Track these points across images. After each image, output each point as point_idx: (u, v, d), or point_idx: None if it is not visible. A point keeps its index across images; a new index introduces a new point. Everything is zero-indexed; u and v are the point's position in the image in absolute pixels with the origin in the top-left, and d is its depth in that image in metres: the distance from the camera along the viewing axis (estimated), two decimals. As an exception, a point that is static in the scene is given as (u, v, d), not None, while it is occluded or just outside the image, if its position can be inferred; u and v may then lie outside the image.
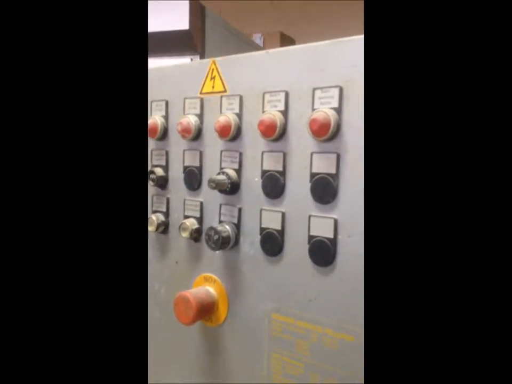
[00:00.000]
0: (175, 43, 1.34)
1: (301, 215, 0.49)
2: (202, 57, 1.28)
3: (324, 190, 0.47)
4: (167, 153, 0.62)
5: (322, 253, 0.48)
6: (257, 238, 0.54)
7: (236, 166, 0.55)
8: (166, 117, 0.62)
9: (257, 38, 2.47)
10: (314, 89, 0.47)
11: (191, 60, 1.28)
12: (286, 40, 2.49)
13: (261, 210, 0.53)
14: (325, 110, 0.45)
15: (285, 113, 0.50)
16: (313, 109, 0.47)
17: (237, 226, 0.56)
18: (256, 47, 1.72)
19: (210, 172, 0.58)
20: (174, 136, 0.61)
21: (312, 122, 0.45)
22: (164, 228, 0.63)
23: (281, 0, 2.50)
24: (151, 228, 0.63)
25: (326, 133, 0.45)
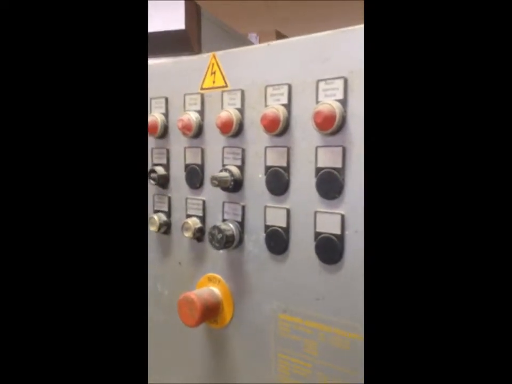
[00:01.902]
0: (171, 43, 1.34)
1: (307, 212, 0.48)
2: (198, 57, 1.27)
3: (330, 185, 0.46)
4: (167, 151, 0.61)
5: (329, 250, 0.46)
6: (262, 236, 0.52)
7: (239, 163, 0.54)
8: (166, 114, 0.60)
9: (253, 37, 2.46)
10: (318, 81, 0.46)
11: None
12: (282, 39, 2.46)
13: (265, 207, 0.52)
14: (329, 102, 0.44)
15: (288, 106, 0.48)
16: (317, 102, 0.46)
17: (241, 224, 0.54)
18: (253, 46, 1.70)
19: (212, 170, 0.56)
20: (174, 133, 0.60)
21: (317, 115, 0.44)
22: (166, 228, 0.62)
23: (275, 0, 2.49)
24: (153, 228, 0.61)
25: (331, 125, 0.44)
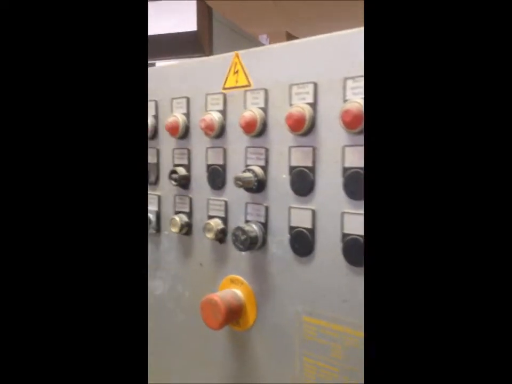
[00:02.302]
0: (183, 45, 1.34)
1: (333, 212, 0.47)
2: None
3: (358, 185, 0.45)
4: (189, 152, 0.60)
5: (358, 251, 0.45)
6: (286, 237, 0.51)
7: (262, 163, 0.53)
8: (188, 114, 0.60)
9: (263, 39, 2.46)
10: (345, 79, 0.45)
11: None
12: (292, 40, 2.45)
13: (290, 208, 0.51)
14: (358, 101, 0.43)
15: (313, 105, 0.48)
16: (344, 100, 0.45)
17: (264, 225, 0.53)
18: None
19: (234, 170, 0.55)
20: (196, 134, 0.59)
21: (345, 113, 0.43)
22: (187, 229, 0.61)
23: (285, 1, 2.48)
24: (174, 229, 0.61)
25: (360, 124, 0.43)
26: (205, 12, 1.38)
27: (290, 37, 2.55)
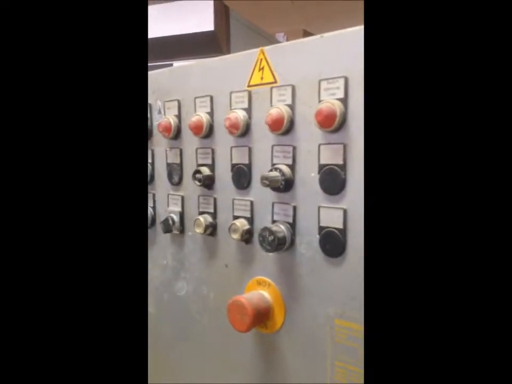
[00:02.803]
0: (200, 45, 1.34)
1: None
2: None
3: (392, 183, 0.43)
4: (213, 151, 0.59)
5: (392, 252, 0.43)
6: (315, 238, 0.50)
7: (290, 162, 0.51)
8: (211, 113, 0.59)
9: (281, 37, 2.45)
10: (378, 73, 0.43)
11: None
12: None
13: (319, 207, 0.49)
14: (392, 95, 0.41)
15: (344, 101, 0.46)
16: (377, 95, 0.43)
17: (292, 226, 0.52)
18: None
19: (260, 169, 0.54)
20: (220, 133, 0.58)
21: (379, 108, 0.41)
22: (212, 229, 0.60)
23: (302, 0, 2.47)
24: (198, 230, 0.60)
25: (395, 119, 0.41)
26: (222, 12, 1.37)
27: (307, 34, 2.53)
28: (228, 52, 1.33)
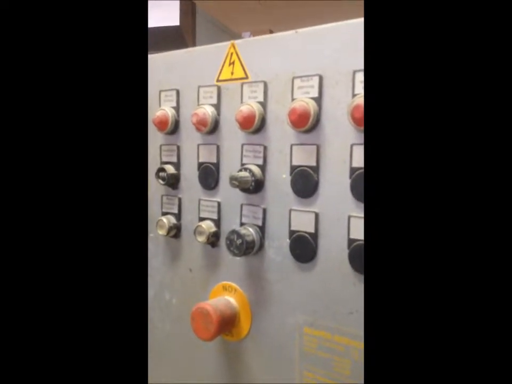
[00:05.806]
0: (166, 39, 1.32)
1: (339, 216, 0.44)
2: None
3: (367, 187, 0.41)
4: (178, 149, 0.56)
5: (365, 258, 0.42)
6: (286, 242, 0.48)
7: (260, 162, 0.49)
8: (177, 108, 0.55)
9: (246, 36, 2.44)
10: (354, 72, 0.41)
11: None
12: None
13: (290, 210, 0.47)
14: (369, 95, 0.39)
15: (318, 100, 0.44)
16: (353, 95, 0.41)
17: (261, 229, 0.49)
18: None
19: (229, 169, 0.51)
20: (186, 129, 0.55)
21: (355, 109, 0.39)
22: (175, 231, 0.57)
23: (269, 0, 2.47)
24: (161, 232, 0.56)
25: (372, 121, 0.39)
26: (188, 8, 1.36)
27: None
28: (193, 46, 1.31)
